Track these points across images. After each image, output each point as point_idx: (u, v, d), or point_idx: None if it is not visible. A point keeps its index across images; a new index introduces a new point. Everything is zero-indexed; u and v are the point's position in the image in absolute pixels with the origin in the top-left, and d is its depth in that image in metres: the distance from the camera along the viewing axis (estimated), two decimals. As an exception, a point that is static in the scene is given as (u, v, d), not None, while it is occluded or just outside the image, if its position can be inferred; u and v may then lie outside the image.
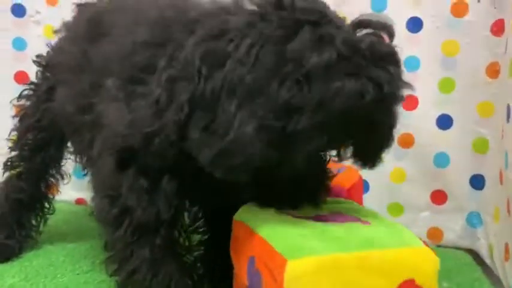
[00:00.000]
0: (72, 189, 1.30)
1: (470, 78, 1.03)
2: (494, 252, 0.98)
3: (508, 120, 0.88)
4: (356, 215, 0.60)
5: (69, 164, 1.05)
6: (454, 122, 1.05)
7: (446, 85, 1.05)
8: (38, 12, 1.24)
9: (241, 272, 0.57)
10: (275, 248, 0.50)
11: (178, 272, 0.67)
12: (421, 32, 1.04)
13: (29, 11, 1.24)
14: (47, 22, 1.23)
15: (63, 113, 0.82)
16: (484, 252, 1.04)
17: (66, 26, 0.90)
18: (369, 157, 0.60)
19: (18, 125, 0.95)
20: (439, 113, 1.06)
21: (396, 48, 0.56)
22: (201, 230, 0.78)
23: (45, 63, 0.94)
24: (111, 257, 0.68)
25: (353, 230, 0.54)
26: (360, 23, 0.55)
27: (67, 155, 1.01)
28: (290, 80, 0.50)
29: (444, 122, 1.06)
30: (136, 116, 0.60)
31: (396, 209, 1.10)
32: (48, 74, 0.93)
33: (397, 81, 0.54)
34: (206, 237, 0.79)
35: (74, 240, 1.05)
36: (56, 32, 0.95)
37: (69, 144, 1.00)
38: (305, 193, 0.61)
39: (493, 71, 1.01)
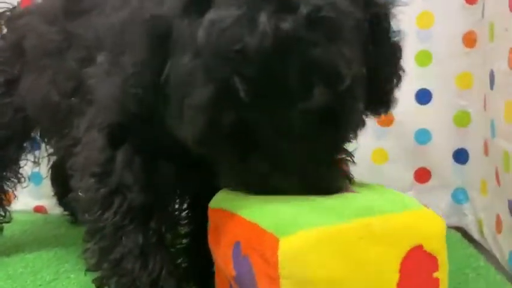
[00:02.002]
0: (30, 196, 1.20)
1: (447, 50, 1.00)
2: (484, 227, 0.95)
3: (492, 88, 0.85)
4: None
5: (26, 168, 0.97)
6: (434, 96, 1.02)
7: (423, 58, 1.01)
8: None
9: (225, 263, 0.49)
10: (263, 227, 0.43)
11: (168, 263, 0.60)
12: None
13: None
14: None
15: (42, 103, 0.75)
16: (472, 228, 1.01)
17: (32, 10, 0.84)
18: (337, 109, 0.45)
19: None
20: (418, 88, 1.02)
21: None
22: (184, 222, 0.71)
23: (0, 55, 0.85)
24: (94, 247, 0.60)
25: (347, 199, 0.47)
26: None
27: (25, 156, 0.93)
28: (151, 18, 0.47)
29: (423, 96, 1.02)
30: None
31: (380, 191, 1.06)
32: (3, 67, 0.84)
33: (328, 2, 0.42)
34: (189, 229, 0.71)
35: (33, 250, 0.96)
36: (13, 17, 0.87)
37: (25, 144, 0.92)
38: (301, 185, 0.46)
39: (470, 40, 0.98)
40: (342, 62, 0.41)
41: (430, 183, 1.04)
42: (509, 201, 0.79)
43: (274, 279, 0.39)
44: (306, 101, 0.41)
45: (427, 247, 0.43)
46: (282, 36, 0.40)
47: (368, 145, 1.04)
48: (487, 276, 0.79)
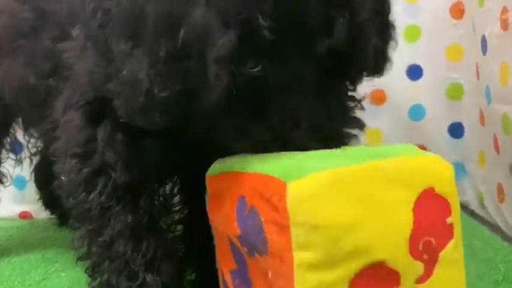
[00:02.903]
0: (14, 202, 1.14)
1: (435, 23, 0.99)
2: (485, 199, 0.93)
3: (484, 53, 0.84)
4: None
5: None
6: (424, 71, 1.00)
7: (411, 33, 1.00)
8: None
9: (227, 225, 0.46)
10: (269, 174, 0.40)
11: (163, 244, 0.56)
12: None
13: None
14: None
15: (19, 87, 0.71)
16: (472, 202, 0.99)
17: None
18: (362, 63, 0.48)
19: None
20: (408, 64, 1.01)
21: None
22: (177, 208, 0.67)
23: None
24: (82, 231, 0.57)
25: (356, 148, 0.45)
26: None
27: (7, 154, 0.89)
28: None
29: (414, 72, 1.01)
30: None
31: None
32: None
33: None
34: (183, 215, 0.67)
35: (20, 253, 0.91)
36: None
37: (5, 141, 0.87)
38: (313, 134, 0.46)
39: (457, 10, 0.97)
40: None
41: (427, 160, 1.02)
42: (510, 164, 0.77)
43: (284, 227, 0.37)
44: (327, 37, 0.41)
45: (438, 189, 0.41)
46: None
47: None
48: (494, 244, 0.78)
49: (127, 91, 0.46)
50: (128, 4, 0.44)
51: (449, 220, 0.41)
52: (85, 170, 0.55)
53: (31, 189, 1.10)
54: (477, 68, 0.91)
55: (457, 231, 0.42)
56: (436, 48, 0.99)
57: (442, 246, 0.41)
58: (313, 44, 0.42)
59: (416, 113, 1.01)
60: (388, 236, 0.38)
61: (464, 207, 0.99)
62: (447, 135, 1.01)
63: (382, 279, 0.38)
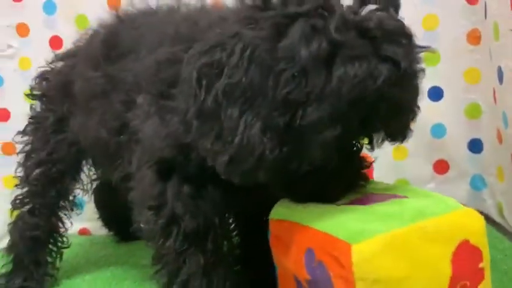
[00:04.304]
0: (74, 220, 1.26)
1: (453, 48, 1.07)
2: (504, 210, 1.02)
3: (500, 83, 0.92)
4: (389, 192, 0.61)
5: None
6: (445, 93, 1.09)
7: (432, 57, 1.07)
8: (9, 46, 1.21)
9: (297, 268, 0.57)
10: (335, 236, 0.51)
11: (232, 277, 0.67)
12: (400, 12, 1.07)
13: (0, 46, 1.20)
14: (21, 55, 1.20)
15: (93, 140, 0.81)
16: (493, 212, 1.08)
17: (74, 53, 0.90)
18: (398, 133, 0.60)
19: (24, 161, 0.92)
20: (429, 86, 1.09)
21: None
22: (233, 234, 0.78)
23: (46, 94, 0.92)
24: (161, 270, 0.67)
25: (401, 205, 0.55)
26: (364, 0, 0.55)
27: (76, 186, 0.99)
28: (285, 76, 0.51)
29: (435, 93, 1.09)
30: (171, 129, 0.62)
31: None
32: (52, 106, 0.91)
33: (413, 55, 0.55)
34: (239, 241, 0.79)
35: (90, 271, 1.02)
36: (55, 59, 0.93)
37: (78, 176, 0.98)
38: (341, 185, 0.60)
39: (474, 37, 1.05)
40: (417, 102, 0.58)
41: (449, 173, 1.11)
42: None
43: (350, 281, 0.48)
44: (384, 129, 0.57)
45: (473, 241, 0.52)
46: (389, 84, 0.51)
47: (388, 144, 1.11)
48: (514, 256, 0.86)
49: (238, 153, 0.53)
50: (247, 81, 0.53)
51: (481, 265, 0.52)
52: (160, 221, 0.65)
53: (90, 209, 1.22)
54: (494, 92, 0.99)
55: (487, 273, 0.53)
56: (455, 71, 1.07)
57: (475, 287, 0.51)
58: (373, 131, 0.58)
59: (438, 131, 1.10)
60: (431, 285, 0.49)
61: (485, 216, 1.08)
62: (467, 151, 1.10)
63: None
